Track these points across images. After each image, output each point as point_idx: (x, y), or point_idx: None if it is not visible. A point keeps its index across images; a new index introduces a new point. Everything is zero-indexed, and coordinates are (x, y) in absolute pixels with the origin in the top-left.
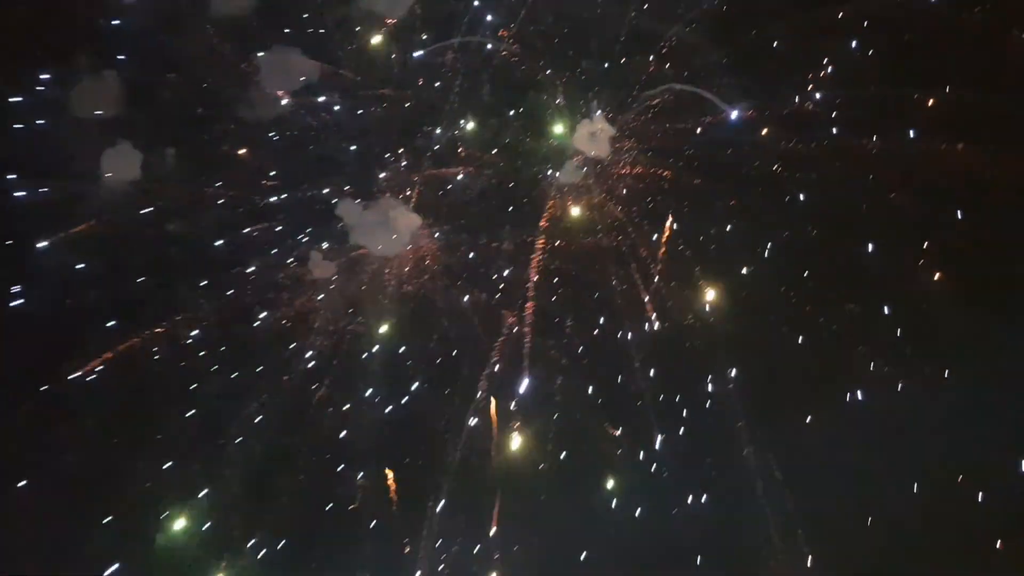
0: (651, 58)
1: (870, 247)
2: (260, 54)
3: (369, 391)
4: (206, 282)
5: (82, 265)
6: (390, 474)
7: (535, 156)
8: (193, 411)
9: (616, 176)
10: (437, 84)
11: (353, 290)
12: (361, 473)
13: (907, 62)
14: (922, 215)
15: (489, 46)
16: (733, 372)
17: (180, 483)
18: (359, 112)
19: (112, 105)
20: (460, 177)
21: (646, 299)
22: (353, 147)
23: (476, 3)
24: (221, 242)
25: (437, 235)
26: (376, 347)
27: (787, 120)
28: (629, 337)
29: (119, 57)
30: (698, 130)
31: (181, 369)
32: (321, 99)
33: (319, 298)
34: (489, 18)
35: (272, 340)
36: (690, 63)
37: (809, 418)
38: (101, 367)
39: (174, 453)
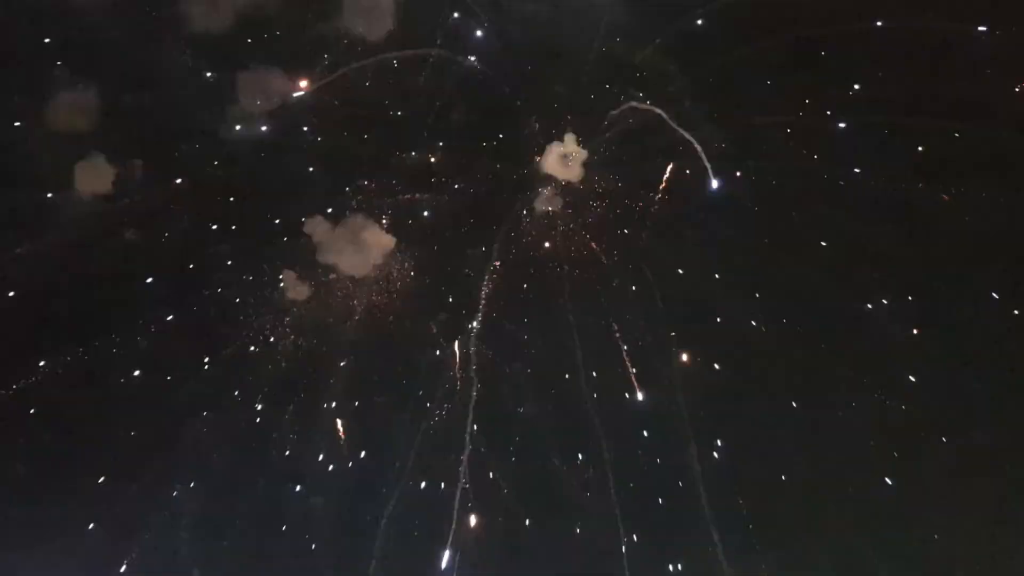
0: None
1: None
2: (237, 71)
3: (332, 414)
4: (171, 300)
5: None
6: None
7: (508, 181)
8: (147, 428)
9: (587, 207)
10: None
11: (321, 312)
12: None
13: (888, 90)
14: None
15: (464, 63)
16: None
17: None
18: (333, 132)
19: (86, 119)
20: (431, 201)
21: (624, 349)
22: (326, 167)
23: (455, 17)
24: (189, 260)
25: (407, 259)
26: (340, 371)
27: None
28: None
29: (94, 70)
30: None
31: (138, 386)
32: (296, 118)
33: (286, 319)
34: (471, 36)
35: (235, 360)
36: (662, 88)
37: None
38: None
39: (124, 470)
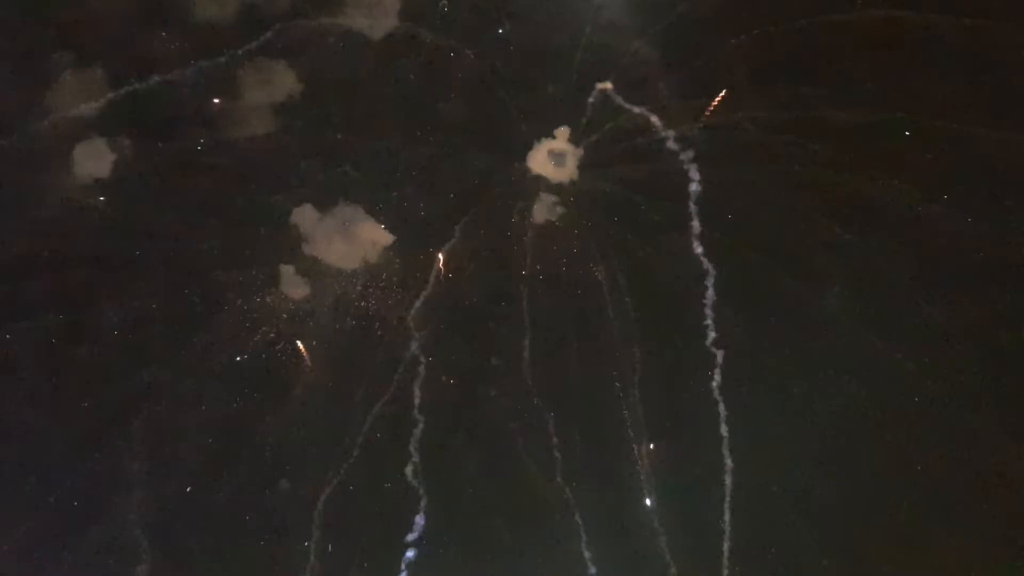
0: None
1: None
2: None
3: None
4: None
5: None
6: None
7: (494, 178)
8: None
9: (577, 210)
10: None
11: (308, 304)
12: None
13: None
14: None
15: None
16: None
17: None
18: (332, 128)
19: (89, 102)
20: (416, 197)
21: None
22: (325, 161)
23: (446, 11)
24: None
25: (399, 257)
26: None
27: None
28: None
29: (99, 54)
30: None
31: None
32: (297, 112)
33: (272, 310)
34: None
35: (217, 346)
36: (653, 84)
37: None
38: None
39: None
